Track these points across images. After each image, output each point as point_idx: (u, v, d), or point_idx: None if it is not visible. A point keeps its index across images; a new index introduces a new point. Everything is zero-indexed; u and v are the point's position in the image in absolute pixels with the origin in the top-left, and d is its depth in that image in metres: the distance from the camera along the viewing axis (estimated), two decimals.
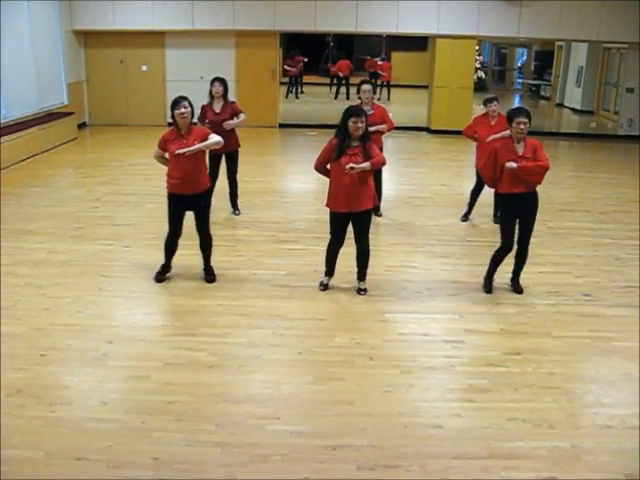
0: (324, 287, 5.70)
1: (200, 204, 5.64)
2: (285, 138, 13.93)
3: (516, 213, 5.50)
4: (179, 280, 5.81)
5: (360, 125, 5.15)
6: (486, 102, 7.38)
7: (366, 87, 7.04)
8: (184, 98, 5.44)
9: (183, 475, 3.35)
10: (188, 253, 6.10)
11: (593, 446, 3.63)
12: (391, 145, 13.54)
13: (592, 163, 12.19)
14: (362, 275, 5.67)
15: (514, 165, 5.27)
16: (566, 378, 4.35)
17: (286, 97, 19.65)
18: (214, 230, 6.71)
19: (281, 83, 15.72)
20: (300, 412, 3.91)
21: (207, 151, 6.01)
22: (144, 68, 14.15)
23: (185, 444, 3.57)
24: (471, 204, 7.73)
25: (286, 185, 9.88)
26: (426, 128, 14.55)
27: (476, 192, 7.59)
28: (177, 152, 5.29)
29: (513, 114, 5.37)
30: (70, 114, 12.70)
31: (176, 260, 5.82)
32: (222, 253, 6.38)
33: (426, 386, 4.25)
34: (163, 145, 5.51)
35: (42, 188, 8.97)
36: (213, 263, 5.88)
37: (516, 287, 5.75)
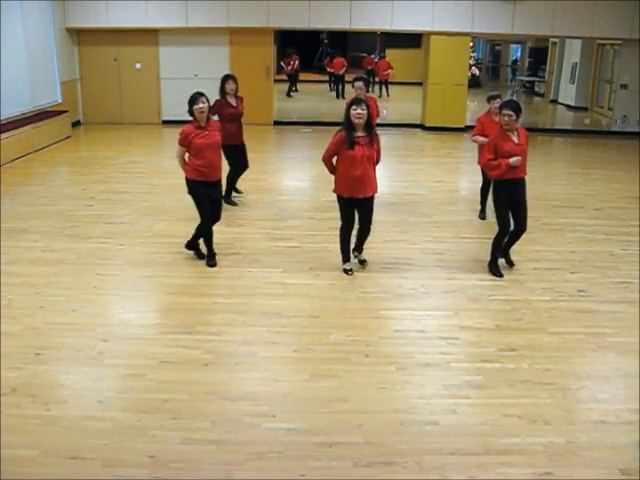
0: (351, 271, 5.92)
1: (219, 190, 6.10)
2: (280, 135, 13.91)
3: (509, 198, 5.77)
4: (174, 278, 5.80)
5: (360, 112, 5.34)
6: (489, 99, 7.36)
7: (358, 84, 7.29)
8: (201, 94, 5.74)
9: (179, 473, 3.34)
10: (182, 252, 6.17)
11: (588, 441, 3.65)
12: (385, 142, 13.54)
13: (586, 159, 12.20)
14: (360, 248, 6.11)
15: (518, 159, 5.61)
16: (561, 374, 4.37)
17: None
18: None
19: (275, 81, 15.68)
20: (296, 409, 3.91)
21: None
22: (138, 66, 14.11)
23: (181, 442, 3.57)
24: (483, 201, 7.75)
25: (281, 182, 9.87)
26: (420, 125, 14.55)
27: (485, 189, 7.57)
28: None
29: (500, 106, 5.84)
30: (64, 112, 12.67)
31: (169, 258, 5.81)
32: (217, 250, 6.37)
33: (421, 383, 4.26)
34: (187, 141, 5.72)
35: (36, 187, 8.94)
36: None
37: (508, 260, 6.17)
